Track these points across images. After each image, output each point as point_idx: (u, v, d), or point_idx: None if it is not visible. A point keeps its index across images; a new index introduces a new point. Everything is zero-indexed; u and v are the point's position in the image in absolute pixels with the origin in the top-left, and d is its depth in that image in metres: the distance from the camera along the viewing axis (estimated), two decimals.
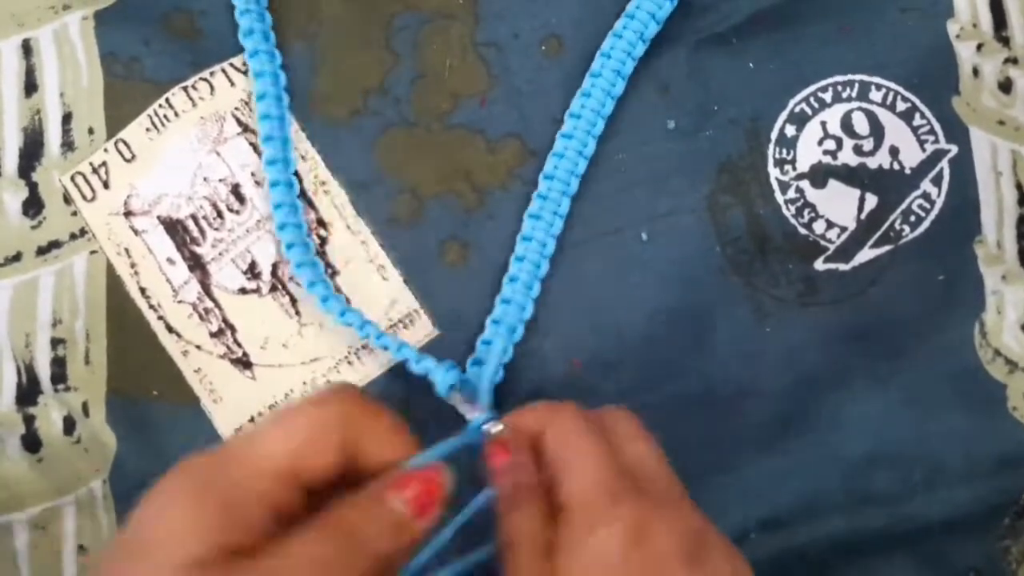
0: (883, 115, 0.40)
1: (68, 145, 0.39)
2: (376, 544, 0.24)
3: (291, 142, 0.39)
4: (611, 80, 0.38)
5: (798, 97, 0.40)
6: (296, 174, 0.39)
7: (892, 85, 0.40)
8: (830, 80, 0.40)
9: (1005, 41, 0.40)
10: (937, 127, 0.40)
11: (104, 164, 0.39)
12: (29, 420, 0.38)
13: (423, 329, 0.38)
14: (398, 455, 0.26)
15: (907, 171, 0.39)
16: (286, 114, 0.39)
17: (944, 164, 0.39)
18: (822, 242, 0.39)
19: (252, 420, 0.38)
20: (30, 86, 0.39)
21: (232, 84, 0.39)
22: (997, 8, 0.40)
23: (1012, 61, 0.40)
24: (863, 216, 0.39)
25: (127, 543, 0.23)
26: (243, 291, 0.39)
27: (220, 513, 0.23)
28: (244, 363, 0.38)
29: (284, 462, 0.24)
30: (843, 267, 0.39)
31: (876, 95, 0.40)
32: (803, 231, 0.39)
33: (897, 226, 0.39)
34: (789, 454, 0.39)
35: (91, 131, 0.39)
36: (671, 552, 0.25)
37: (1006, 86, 0.40)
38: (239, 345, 0.38)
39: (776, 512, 0.38)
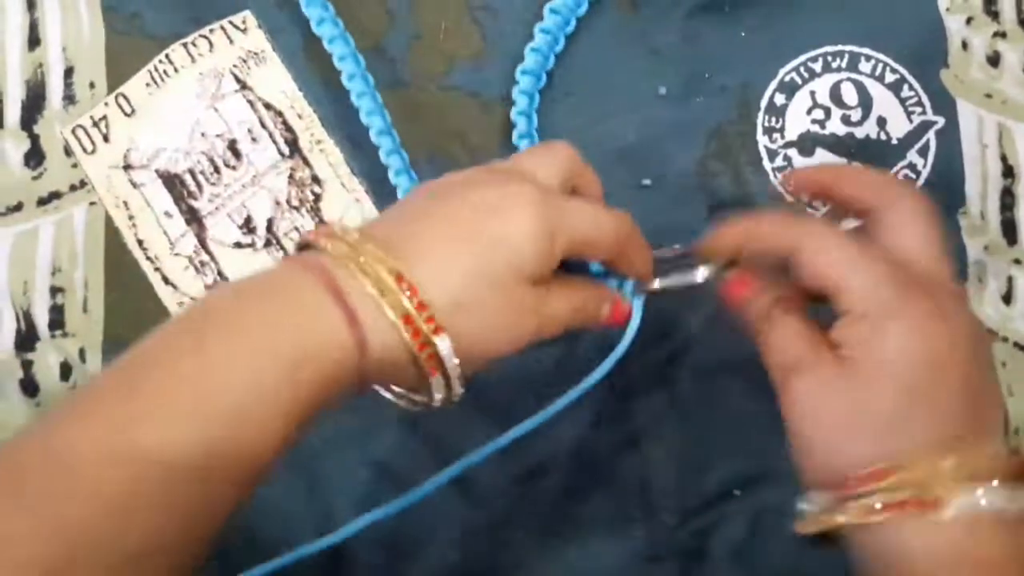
0: (872, 86, 0.40)
1: (69, 98, 0.40)
2: (590, 322, 0.33)
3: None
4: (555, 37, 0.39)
5: (788, 66, 0.40)
6: (292, 131, 0.40)
7: (881, 56, 0.40)
8: (820, 50, 0.40)
9: (994, 15, 0.40)
10: (925, 99, 0.40)
11: (104, 118, 0.40)
12: (27, 365, 0.39)
13: None
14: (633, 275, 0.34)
15: (894, 142, 0.40)
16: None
17: (931, 135, 0.40)
18: (809, 209, 0.40)
19: None
20: (33, 40, 0.40)
21: (231, 42, 0.40)
22: None
23: (1001, 35, 0.40)
24: None
25: (485, 231, 0.29)
26: (238, 245, 0.39)
27: (554, 253, 0.29)
28: None
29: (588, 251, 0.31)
30: None
31: (865, 66, 0.40)
32: (790, 199, 0.40)
33: None
34: (775, 416, 0.39)
35: (92, 85, 0.40)
36: (961, 347, 0.28)
37: (994, 59, 0.40)
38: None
39: (763, 469, 0.39)
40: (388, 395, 0.30)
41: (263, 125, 0.40)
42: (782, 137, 0.40)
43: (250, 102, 0.40)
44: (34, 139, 0.40)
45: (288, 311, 0.26)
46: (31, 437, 0.25)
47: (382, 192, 0.40)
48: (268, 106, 0.40)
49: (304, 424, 0.26)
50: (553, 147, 0.33)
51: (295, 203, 0.39)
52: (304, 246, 0.29)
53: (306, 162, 0.40)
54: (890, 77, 0.40)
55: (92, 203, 0.40)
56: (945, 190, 0.40)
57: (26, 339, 0.39)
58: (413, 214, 0.30)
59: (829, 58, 0.40)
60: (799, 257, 0.30)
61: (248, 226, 0.39)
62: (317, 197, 0.40)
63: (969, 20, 0.40)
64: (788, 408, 0.30)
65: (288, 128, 0.40)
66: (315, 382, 0.26)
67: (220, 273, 0.39)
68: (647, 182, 0.40)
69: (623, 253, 0.32)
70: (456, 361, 0.28)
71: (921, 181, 0.40)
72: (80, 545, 0.22)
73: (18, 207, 0.39)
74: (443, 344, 0.27)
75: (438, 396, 0.28)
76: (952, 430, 0.27)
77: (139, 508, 0.23)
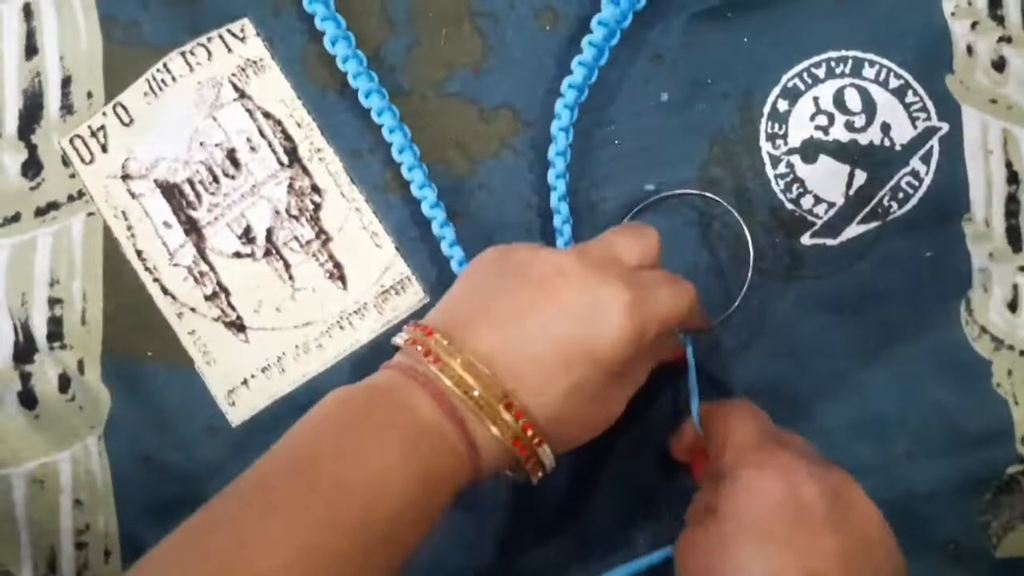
0: (876, 92, 0.40)
1: (67, 108, 0.40)
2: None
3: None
4: (601, 50, 0.39)
5: (791, 72, 0.40)
6: (291, 140, 0.39)
7: (886, 62, 0.40)
8: (824, 56, 0.40)
9: (999, 19, 0.40)
10: (929, 105, 0.40)
11: (103, 127, 0.39)
12: (25, 377, 0.39)
13: (415, 295, 0.39)
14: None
15: (897, 148, 0.40)
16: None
17: (934, 142, 0.40)
18: (809, 217, 0.39)
19: (244, 382, 0.39)
20: (31, 49, 0.40)
21: (229, 50, 0.39)
22: None
23: (1006, 40, 0.40)
24: (852, 192, 0.40)
25: (577, 313, 0.30)
26: (238, 255, 0.39)
27: (642, 344, 0.31)
28: (238, 326, 0.39)
29: (670, 323, 0.32)
30: (830, 242, 0.39)
31: (869, 71, 0.40)
32: (790, 206, 0.39)
33: (885, 202, 0.39)
34: (773, 422, 0.39)
35: (90, 95, 0.40)
36: (815, 497, 0.29)
37: (999, 64, 0.40)
38: (233, 308, 0.39)
39: None
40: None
41: (262, 134, 0.39)
42: (785, 143, 0.40)
43: (249, 111, 0.39)
44: (31, 149, 0.40)
45: (426, 435, 0.29)
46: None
47: (382, 201, 0.39)
48: (267, 115, 0.39)
49: (435, 523, 0.29)
50: (644, 232, 0.34)
51: (294, 212, 0.39)
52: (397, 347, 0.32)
53: (305, 171, 0.39)
54: (894, 82, 0.40)
55: (90, 213, 0.39)
56: (949, 196, 0.39)
57: (24, 351, 0.39)
58: (504, 310, 0.31)
59: (833, 63, 0.40)
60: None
61: (247, 236, 0.39)
62: (317, 206, 0.39)
63: (974, 25, 0.40)
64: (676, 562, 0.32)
65: (287, 137, 0.39)
66: (444, 492, 0.29)
67: (219, 283, 0.39)
68: (650, 187, 0.40)
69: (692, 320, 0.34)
70: (552, 459, 0.31)
71: (923, 188, 0.39)
72: None
73: (15, 218, 0.39)
74: (546, 453, 0.31)
75: (535, 480, 0.32)
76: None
77: None
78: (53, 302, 0.39)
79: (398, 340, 0.32)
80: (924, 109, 0.40)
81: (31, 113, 0.40)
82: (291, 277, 0.39)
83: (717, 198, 0.39)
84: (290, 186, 0.39)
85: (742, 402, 0.35)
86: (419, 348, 0.30)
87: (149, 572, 0.26)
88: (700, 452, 0.35)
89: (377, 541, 0.27)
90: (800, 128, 0.40)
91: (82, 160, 0.39)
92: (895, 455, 0.38)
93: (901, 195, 0.39)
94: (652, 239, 0.34)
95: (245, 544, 0.25)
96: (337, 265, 0.39)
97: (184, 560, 0.26)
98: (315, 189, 0.39)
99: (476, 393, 0.29)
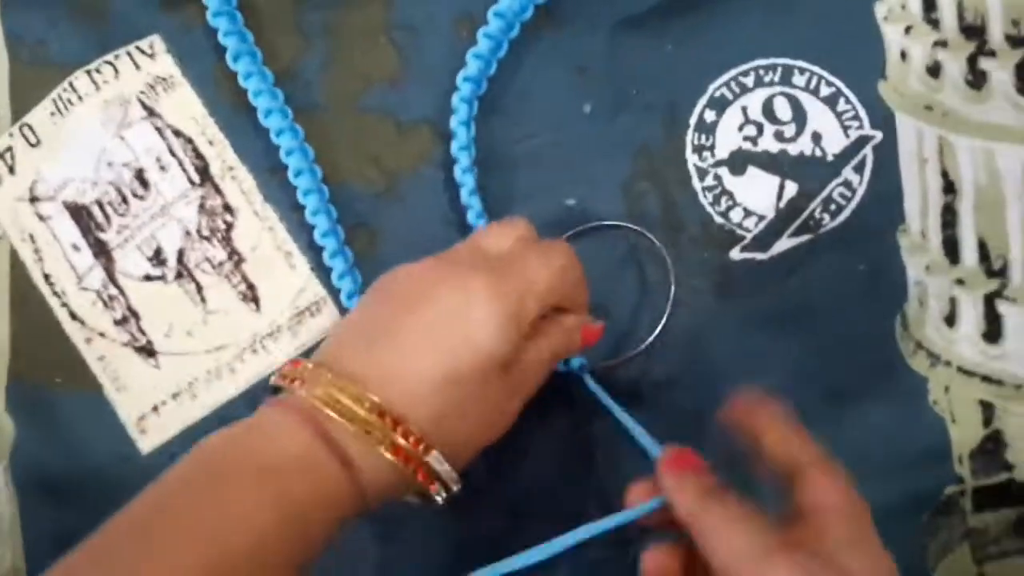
0: (806, 100, 0.39)
1: None
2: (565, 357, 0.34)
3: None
4: (498, 42, 0.38)
5: (718, 81, 0.39)
6: (203, 158, 0.38)
7: (816, 69, 0.39)
8: (752, 64, 0.39)
9: (934, 23, 0.39)
10: (862, 112, 0.38)
11: (10, 149, 0.38)
12: None
13: (330, 317, 0.38)
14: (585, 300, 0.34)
15: (829, 158, 0.38)
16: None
17: (868, 151, 0.38)
18: (739, 231, 0.38)
19: (155, 409, 0.38)
20: None
21: (138, 68, 0.38)
22: None
23: (941, 44, 0.38)
24: (782, 204, 0.38)
25: (447, 323, 0.29)
26: (148, 278, 0.38)
27: (520, 328, 0.30)
28: (148, 351, 0.38)
29: (552, 299, 0.32)
30: (761, 256, 0.38)
31: (799, 79, 0.39)
32: (719, 219, 0.38)
33: (817, 215, 0.38)
34: (703, 445, 0.38)
35: None
36: None
37: (934, 70, 0.38)
38: (143, 333, 0.38)
39: None
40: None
41: (172, 153, 0.38)
42: (712, 155, 0.38)
43: (158, 129, 0.38)
44: None
45: (288, 465, 0.27)
46: None
47: (295, 220, 0.38)
48: (178, 133, 0.38)
49: (317, 555, 0.28)
50: (512, 222, 0.33)
51: (206, 233, 0.38)
52: (278, 388, 0.30)
53: (217, 190, 0.38)
54: (825, 90, 0.39)
55: None
56: (883, 207, 0.38)
57: None
58: (377, 331, 0.30)
59: (761, 72, 0.39)
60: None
61: (158, 258, 0.38)
62: (229, 226, 0.38)
63: (908, 29, 0.39)
64: None
65: (199, 155, 0.38)
66: (322, 521, 0.28)
67: (129, 307, 0.38)
68: (571, 202, 0.38)
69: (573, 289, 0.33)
70: (448, 467, 0.29)
71: (857, 199, 0.38)
72: None
73: None
74: (434, 459, 0.29)
75: (439, 498, 0.30)
76: None
77: None
78: None
79: (273, 379, 0.30)
80: (856, 117, 0.38)
81: None
82: (203, 300, 0.38)
83: (641, 229, 0.38)
84: (201, 206, 0.38)
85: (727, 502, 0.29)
86: (288, 379, 0.29)
87: None
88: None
89: None
90: (728, 139, 0.38)
91: None
92: None
93: (833, 207, 0.38)
94: (520, 226, 0.33)
95: None
96: (250, 287, 0.38)
97: None
98: (227, 209, 0.38)
99: (345, 405, 0.28)
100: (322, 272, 0.38)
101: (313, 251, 0.38)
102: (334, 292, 0.38)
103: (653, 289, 0.38)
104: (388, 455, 0.28)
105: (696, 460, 0.31)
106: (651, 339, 0.37)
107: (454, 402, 0.29)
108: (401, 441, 0.28)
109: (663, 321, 0.37)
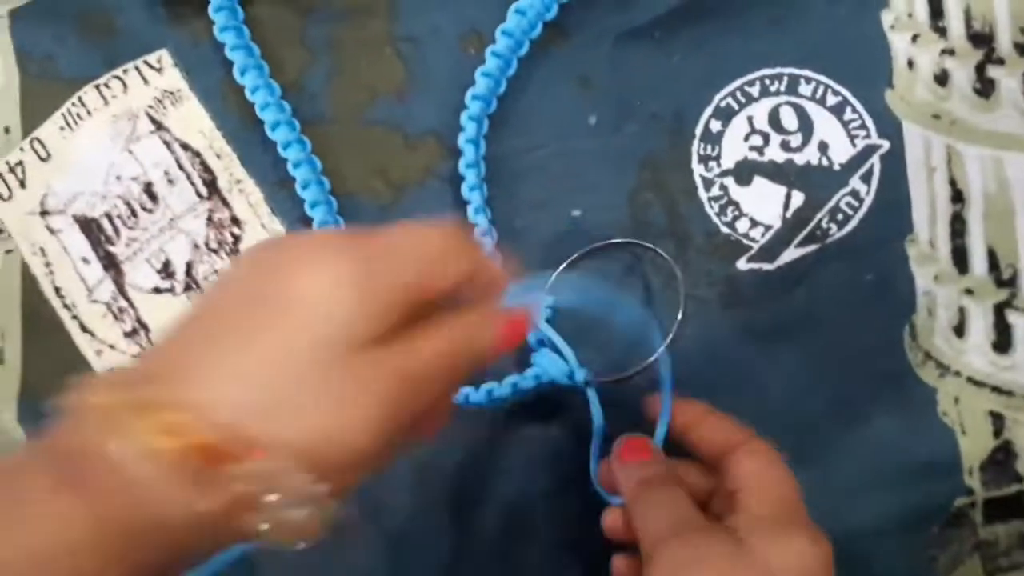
0: (812, 109, 0.39)
1: None
2: (479, 357, 0.26)
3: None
4: (507, 60, 0.38)
5: (724, 91, 0.39)
6: (210, 171, 0.39)
7: (822, 78, 0.39)
8: (757, 73, 0.39)
9: (942, 31, 0.38)
10: (869, 121, 0.38)
11: (20, 163, 0.39)
12: None
13: None
14: (497, 288, 0.28)
15: (836, 167, 0.38)
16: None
17: (875, 160, 0.38)
18: (745, 241, 0.38)
19: None
20: None
21: (146, 82, 0.39)
22: None
23: (948, 52, 0.38)
24: (789, 214, 0.38)
25: (269, 299, 0.23)
26: (157, 290, 0.38)
27: (380, 304, 0.23)
28: None
29: (422, 278, 0.25)
30: (767, 267, 0.38)
31: (806, 88, 0.39)
32: (725, 230, 0.38)
33: (824, 224, 0.38)
34: None
35: (7, 130, 0.39)
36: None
37: (942, 78, 0.38)
38: (152, 345, 0.38)
39: None
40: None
41: (180, 166, 0.39)
42: (718, 165, 0.38)
43: (166, 143, 0.39)
44: None
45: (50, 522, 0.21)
46: None
47: (303, 231, 0.38)
48: (185, 146, 0.39)
49: None
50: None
51: (214, 245, 0.38)
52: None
53: (225, 203, 0.39)
54: (832, 99, 0.38)
55: (8, 251, 0.39)
56: (891, 217, 0.38)
57: None
58: (183, 323, 0.24)
59: (767, 81, 0.39)
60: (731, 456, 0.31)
61: (167, 271, 0.38)
62: (236, 239, 0.38)
63: (915, 38, 0.38)
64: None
65: (206, 168, 0.39)
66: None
67: (139, 320, 0.38)
68: (577, 213, 0.38)
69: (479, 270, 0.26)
70: (301, 476, 0.21)
71: (864, 209, 0.38)
72: None
73: None
74: (264, 465, 0.21)
75: (304, 523, 0.22)
76: None
77: None
78: None
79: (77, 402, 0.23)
80: (864, 126, 0.38)
81: None
82: None
83: (652, 246, 0.38)
84: (209, 219, 0.38)
85: (655, 467, 0.31)
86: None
87: None
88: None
89: None
90: (734, 149, 0.38)
91: (1, 197, 0.39)
92: (836, 488, 0.37)
93: (840, 216, 0.38)
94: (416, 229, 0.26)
95: None
96: None
97: None
98: (235, 221, 0.38)
99: (119, 423, 0.21)
100: None
101: None
102: None
103: (659, 301, 0.37)
104: (184, 468, 0.21)
105: (646, 449, 0.33)
106: (659, 351, 0.37)
107: (289, 385, 0.22)
108: (204, 442, 0.21)
109: (671, 334, 0.37)
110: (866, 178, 0.38)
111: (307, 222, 0.38)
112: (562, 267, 0.37)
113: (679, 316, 0.37)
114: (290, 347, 0.22)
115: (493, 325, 0.27)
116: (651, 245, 0.38)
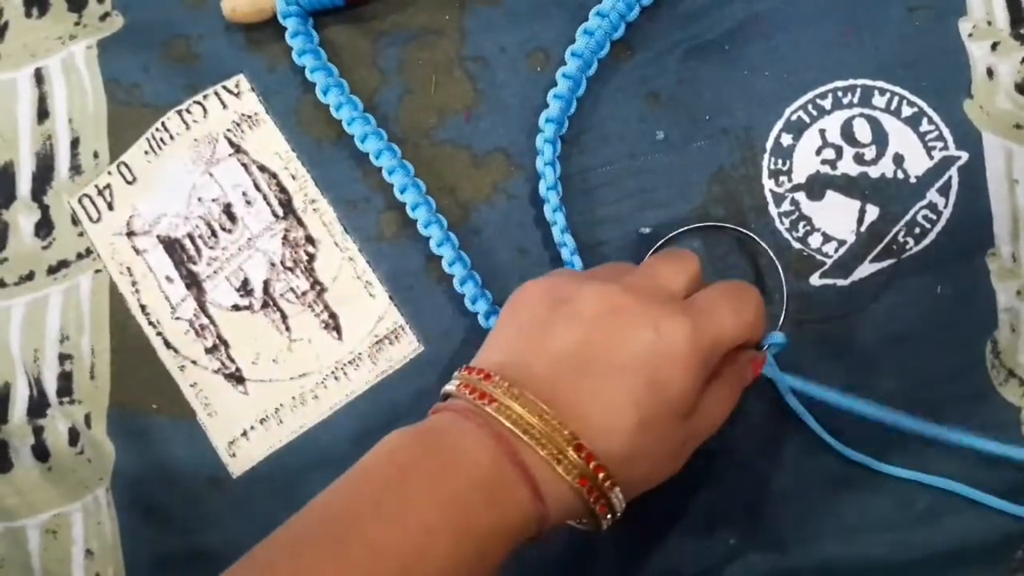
0: (887, 121, 0.38)
1: (76, 168, 0.41)
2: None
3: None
4: (577, 81, 0.38)
5: (795, 105, 0.38)
6: (286, 192, 0.40)
7: (897, 89, 0.38)
8: (830, 86, 0.38)
9: (1022, 38, 0.37)
10: (946, 133, 0.37)
11: (108, 186, 0.41)
12: (38, 431, 0.40)
13: (408, 345, 0.39)
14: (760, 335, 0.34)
15: (912, 180, 0.37)
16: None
17: (953, 172, 0.37)
18: (818, 256, 0.37)
19: (244, 434, 0.39)
20: (42, 112, 0.41)
21: (224, 106, 0.40)
22: (1014, 3, 0.37)
23: None
24: (863, 228, 0.37)
25: (612, 349, 0.30)
26: (236, 308, 0.40)
27: (706, 372, 0.31)
28: (237, 378, 0.39)
29: (739, 339, 0.32)
30: (841, 282, 0.37)
31: (880, 100, 0.38)
32: (797, 245, 0.37)
33: (900, 239, 0.37)
34: (783, 471, 0.37)
35: (96, 155, 0.41)
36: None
37: None
38: (232, 360, 0.39)
39: (769, 532, 0.37)
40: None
41: (257, 187, 0.40)
42: (789, 180, 0.38)
43: (244, 165, 0.40)
44: (44, 209, 0.41)
45: (473, 496, 0.27)
46: None
47: (375, 251, 0.39)
48: (262, 168, 0.40)
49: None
50: (684, 256, 0.34)
51: (289, 264, 0.39)
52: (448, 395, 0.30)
53: (300, 222, 0.40)
54: (907, 111, 0.38)
55: (97, 271, 0.41)
56: (971, 231, 0.37)
57: (37, 406, 0.40)
58: (564, 354, 0.29)
59: (840, 93, 0.38)
60: None
61: (245, 288, 0.40)
62: (311, 257, 0.40)
63: (995, 46, 0.37)
64: None
65: (282, 189, 0.40)
66: (498, 551, 0.27)
67: (219, 336, 0.40)
68: (646, 230, 0.38)
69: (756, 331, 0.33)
70: (622, 500, 0.30)
71: (942, 222, 0.37)
72: None
73: (30, 276, 0.41)
74: (617, 497, 0.29)
75: (605, 523, 0.30)
76: None
77: None
78: (63, 358, 0.40)
79: (449, 387, 0.30)
80: (941, 138, 0.37)
81: (43, 174, 0.41)
82: (288, 328, 0.39)
83: (748, 232, 0.38)
84: (284, 238, 0.40)
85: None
86: (471, 392, 0.29)
87: None
88: None
89: None
90: (806, 163, 0.38)
91: (90, 218, 0.41)
92: (916, 512, 0.36)
93: (918, 230, 0.37)
94: (693, 263, 0.33)
95: None
96: (332, 315, 0.39)
97: None
98: (309, 240, 0.40)
99: (538, 433, 0.28)
100: (400, 301, 0.39)
101: (392, 281, 0.39)
102: (413, 320, 0.39)
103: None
104: (576, 484, 0.28)
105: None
106: (772, 336, 0.36)
107: (642, 446, 0.29)
108: (591, 474, 0.28)
109: (780, 319, 0.37)
110: (944, 191, 0.37)
111: (380, 240, 0.39)
112: (658, 245, 0.38)
113: (784, 304, 0.37)
114: (656, 421, 0.29)
115: (753, 369, 0.34)
116: (750, 233, 0.37)
